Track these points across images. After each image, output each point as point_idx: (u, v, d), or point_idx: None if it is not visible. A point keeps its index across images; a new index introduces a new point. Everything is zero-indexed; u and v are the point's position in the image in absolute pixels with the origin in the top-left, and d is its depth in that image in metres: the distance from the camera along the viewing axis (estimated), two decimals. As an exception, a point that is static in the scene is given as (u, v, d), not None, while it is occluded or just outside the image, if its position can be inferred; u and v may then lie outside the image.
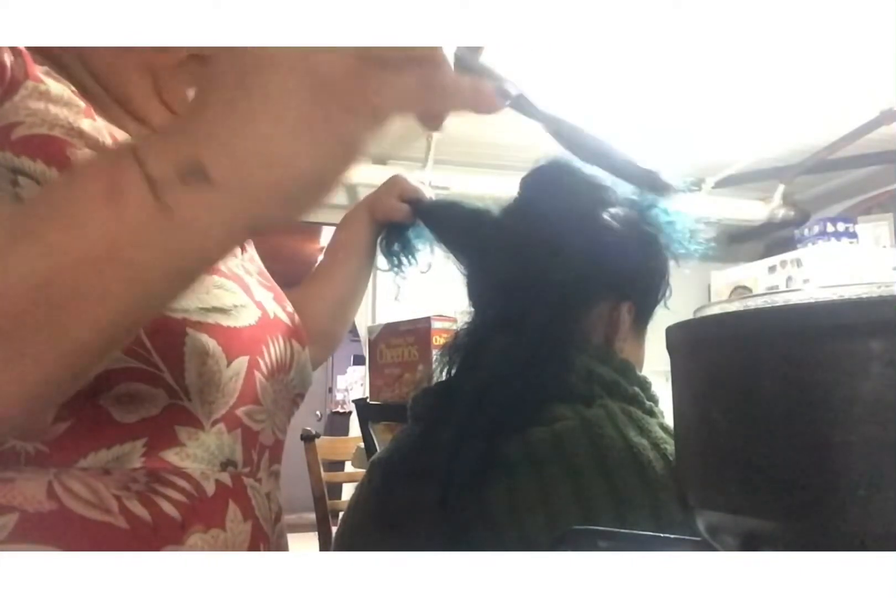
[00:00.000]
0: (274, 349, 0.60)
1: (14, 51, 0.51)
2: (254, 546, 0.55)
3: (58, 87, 0.53)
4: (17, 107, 0.50)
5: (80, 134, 0.52)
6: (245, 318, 0.57)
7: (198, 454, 0.52)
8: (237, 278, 0.59)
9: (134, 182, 0.31)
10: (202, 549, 0.50)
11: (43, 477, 0.45)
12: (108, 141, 0.54)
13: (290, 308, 0.67)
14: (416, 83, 0.33)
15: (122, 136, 0.57)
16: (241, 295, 0.58)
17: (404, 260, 0.88)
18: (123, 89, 0.59)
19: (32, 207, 0.34)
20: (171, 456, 0.51)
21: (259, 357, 0.58)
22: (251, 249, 0.71)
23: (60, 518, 0.45)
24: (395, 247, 0.88)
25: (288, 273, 1.50)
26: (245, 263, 0.66)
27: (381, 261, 0.90)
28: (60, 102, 0.52)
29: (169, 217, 0.31)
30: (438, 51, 0.34)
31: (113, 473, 0.48)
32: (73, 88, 0.54)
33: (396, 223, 0.86)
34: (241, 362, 0.55)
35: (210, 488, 0.52)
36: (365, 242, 0.87)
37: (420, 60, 0.33)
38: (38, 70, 0.52)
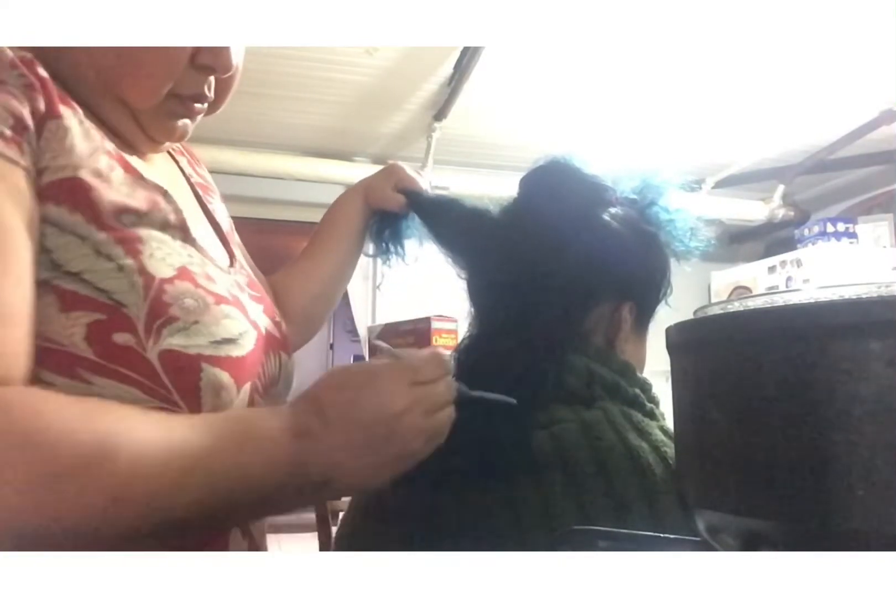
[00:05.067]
0: (268, 367, 0.60)
1: (40, 85, 0.49)
2: None
3: (75, 116, 0.52)
4: (43, 150, 0.49)
5: (99, 173, 0.52)
6: (248, 344, 0.57)
7: None
8: (237, 302, 0.59)
9: (292, 481, 0.47)
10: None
11: None
12: (119, 177, 0.54)
13: (278, 317, 0.66)
14: (445, 421, 0.53)
15: (136, 163, 0.58)
16: (243, 321, 0.58)
17: (392, 248, 0.87)
18: (111, 124, 0.58)
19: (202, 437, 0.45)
20: None
21: (258, 379, 0.58)
22: (240, 256, 0.69)
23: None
24: (385, 234, 0.86)
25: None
26: (237, 276, 0.65)
27: (368, 246, 0.88)
28: (81, 136, 0.52)
29: (292, 494, 0.49)
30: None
31: None
32: (84, 117, 0.53)
33: (389, 212, 0.85)
34: (247, 389, 0.56)
35: None
36: (355, 226, 0.86)
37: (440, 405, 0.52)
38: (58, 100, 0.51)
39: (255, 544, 0.58)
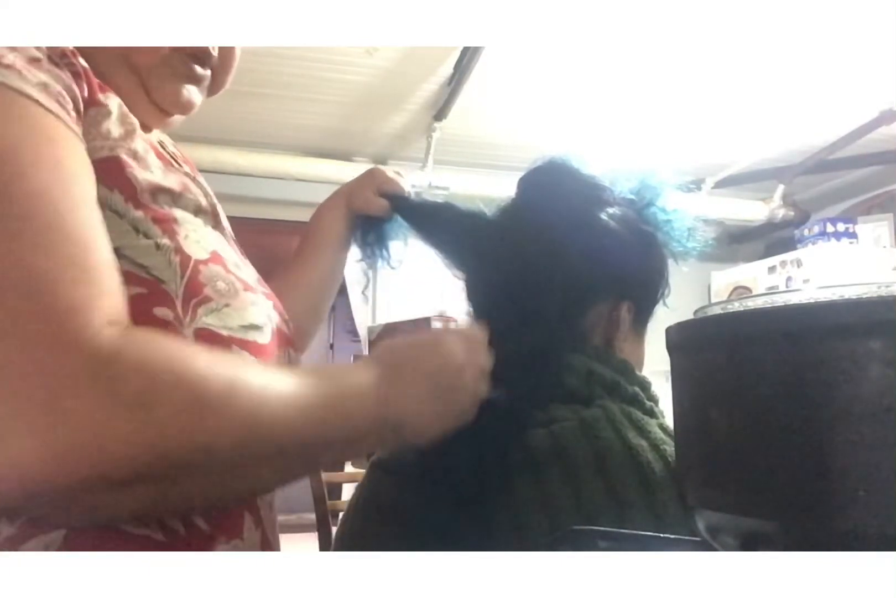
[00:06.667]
0: (282, 361, 0.61)
1: (84, 74, 0.50)
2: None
3: (114, 103, 0.53)
4: (84, 133, 0.50)
5: (135, 154, 0.54)
6: (268, 334, 0.58)
7: None
8: (259, 293, 0.60)
9: (375, 428, 0.52)
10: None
11: None
12: (154, 159, 0.56)
13: (286, 315, 0.67)
14: (486, 385, 0.59)
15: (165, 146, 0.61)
16: (265, 311, 0.59)
17: (377, 252, 0.87)
18: (116, 92, 0.58)
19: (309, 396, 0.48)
20: None
21: None
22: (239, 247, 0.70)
23: (105, 533, 0.46)
24: (370, 238, 0.87)
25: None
26: (252, 270, 0.65)
27: (354, 251, 0.89)
28: (117, 121, 0.53)
29: (373, 441, 0.56)
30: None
31: None
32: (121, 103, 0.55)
33: (373, 216, 0.85)
34: None
35: None
36: (340, 232, 0.86)
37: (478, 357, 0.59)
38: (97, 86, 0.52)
39: (267, 537, 0.58)
